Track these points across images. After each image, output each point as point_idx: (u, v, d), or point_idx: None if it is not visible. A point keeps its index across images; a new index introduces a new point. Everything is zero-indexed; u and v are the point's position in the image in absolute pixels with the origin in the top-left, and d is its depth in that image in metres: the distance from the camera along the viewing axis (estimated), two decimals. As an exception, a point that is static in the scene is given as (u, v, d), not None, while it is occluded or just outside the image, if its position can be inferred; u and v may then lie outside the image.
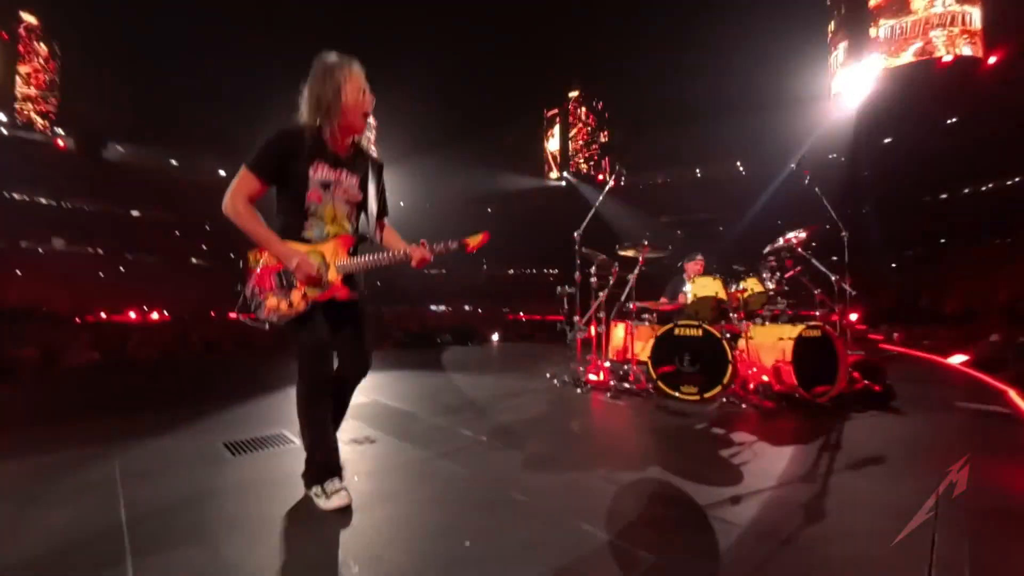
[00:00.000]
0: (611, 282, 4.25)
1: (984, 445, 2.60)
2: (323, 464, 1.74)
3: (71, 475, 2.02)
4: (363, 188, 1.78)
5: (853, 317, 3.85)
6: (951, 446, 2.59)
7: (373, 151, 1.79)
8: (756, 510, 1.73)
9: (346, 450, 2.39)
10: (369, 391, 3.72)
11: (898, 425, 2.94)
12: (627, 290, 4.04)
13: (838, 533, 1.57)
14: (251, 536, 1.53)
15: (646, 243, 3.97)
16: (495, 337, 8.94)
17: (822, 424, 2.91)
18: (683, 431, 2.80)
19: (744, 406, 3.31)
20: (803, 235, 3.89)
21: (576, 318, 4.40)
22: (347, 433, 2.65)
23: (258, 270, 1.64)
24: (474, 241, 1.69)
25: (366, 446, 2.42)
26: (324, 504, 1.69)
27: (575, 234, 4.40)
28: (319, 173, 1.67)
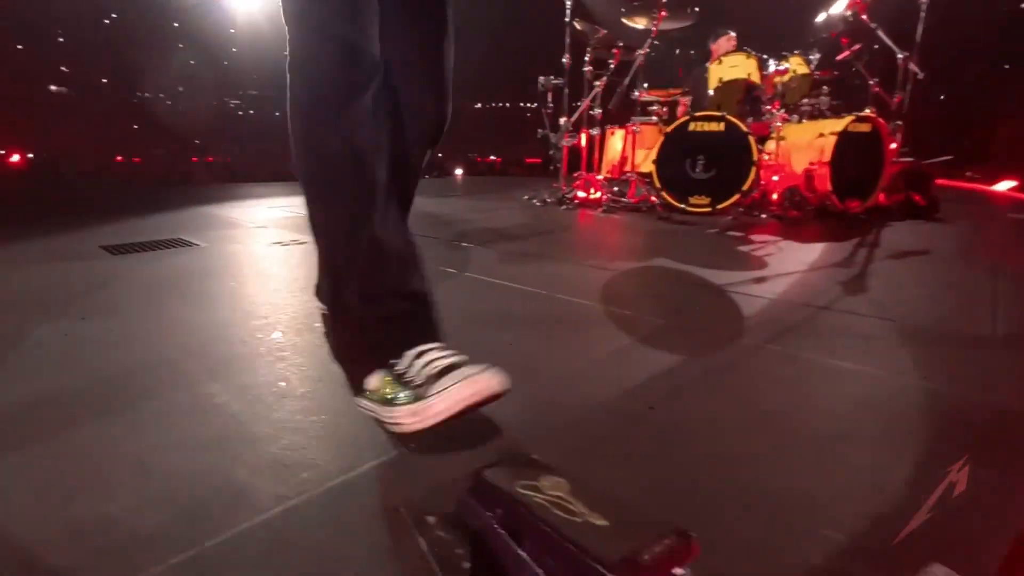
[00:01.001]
0: (612, 68, 3.79)
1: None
2: (392, 319, 0.82)
3: None
4: None
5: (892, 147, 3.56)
6: (1008, 245, 2.60)
7: None
8: (785, 287, 1.66)
9: (268, 252, 2.19)
10: (292, 206, 3.43)
11: (944, 230, 2.93)
12: (632, 73, 3.60)
13: (887, 302, 1.52)
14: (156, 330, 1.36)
15: (663, 2, 3.41)
16: (459, 171, 8.53)
17: (856, 228, 2.86)
18: (692, 234, 2.70)
19: (764, 216, 3.23)
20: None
21: (562, 120, 4.02)
22: (265, 238, 2.44)
23: None
24: None
25: (293, 248, 2.22)
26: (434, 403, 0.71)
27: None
28: None
